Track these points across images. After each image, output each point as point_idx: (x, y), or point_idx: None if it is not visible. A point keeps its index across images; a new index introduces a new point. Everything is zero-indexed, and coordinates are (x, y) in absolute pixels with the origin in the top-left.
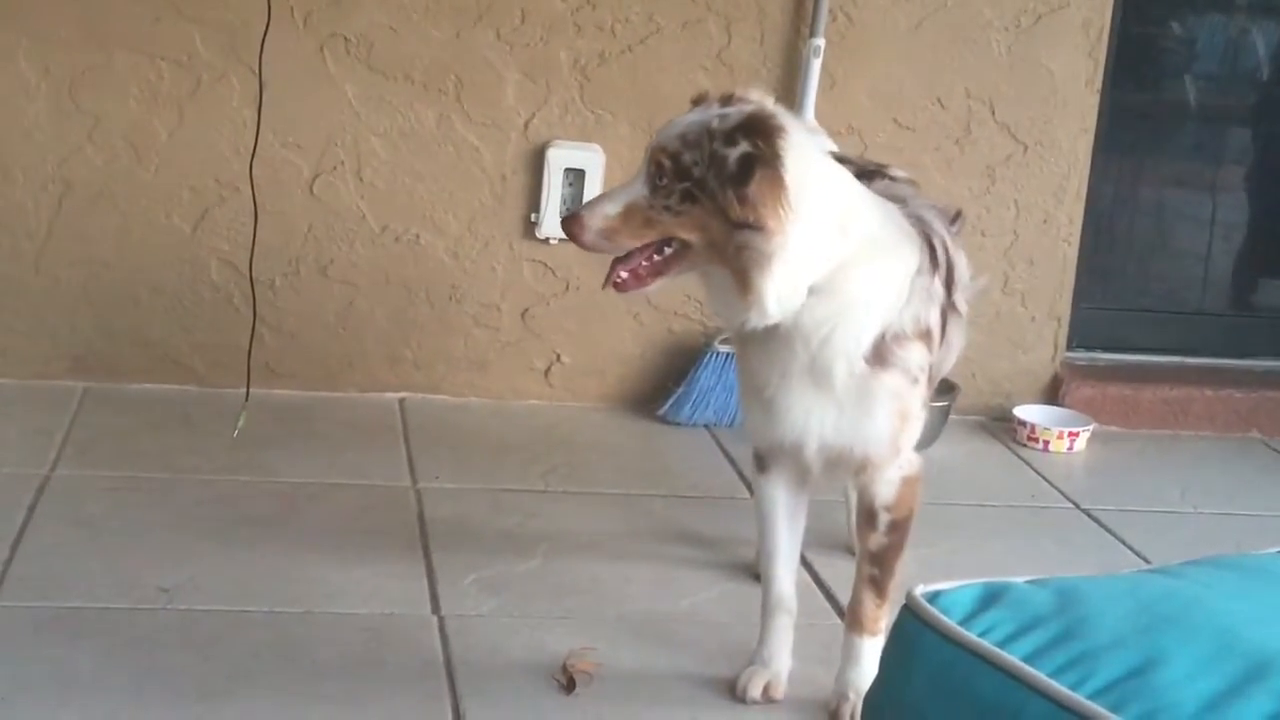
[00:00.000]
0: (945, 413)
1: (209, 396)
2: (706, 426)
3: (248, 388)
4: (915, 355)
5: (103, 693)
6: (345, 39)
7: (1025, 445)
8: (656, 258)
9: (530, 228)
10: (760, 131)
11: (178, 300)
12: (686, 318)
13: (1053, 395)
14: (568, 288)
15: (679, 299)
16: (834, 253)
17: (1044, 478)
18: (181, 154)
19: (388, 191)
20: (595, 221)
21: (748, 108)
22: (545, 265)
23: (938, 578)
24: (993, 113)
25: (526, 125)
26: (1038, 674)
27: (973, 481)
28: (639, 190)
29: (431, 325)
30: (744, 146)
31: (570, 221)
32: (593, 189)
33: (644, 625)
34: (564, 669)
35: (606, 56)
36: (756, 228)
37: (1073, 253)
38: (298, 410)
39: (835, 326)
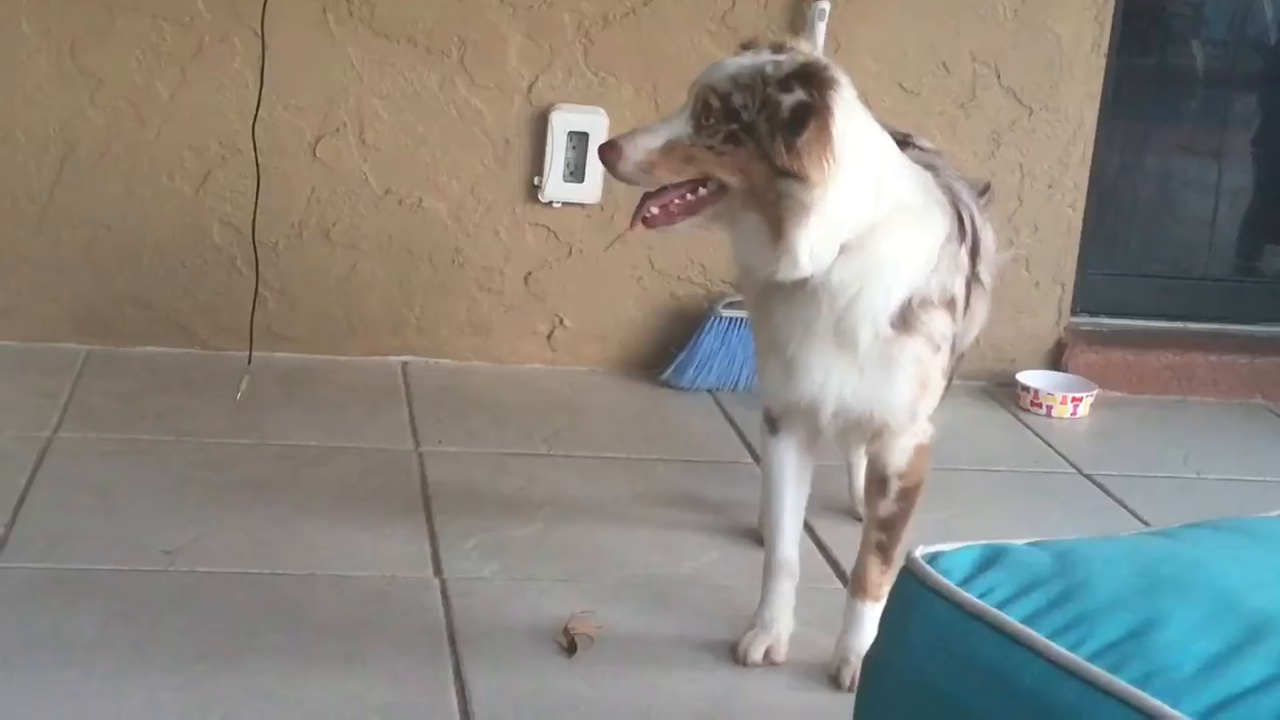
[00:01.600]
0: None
1: (212, 360)
2: (709, 391)
3: (250, 351)
4: (940, 323)
5: (105, 654)
6: (348, 1)
7: (1028, 411)
8: (690, 196)
9: (533, 191)
10: (815, 81)
11: (180, 263)
12: (690, 282)
13: (1056, 361)
14: (570, 252)
15: (682, 263)
16: (868, 213)
17: (1047, 443)
18: (183, 116)
19: (390, 155)
20: (634, 153)
21: (801, 56)
22: (548, 229)
23: (939, 542)
24: (998, 77)
25: (530, 88)
26: (1036, 635)
27: (975, 447)
28: (682, 127)
29: (434, 289)
30: (799, 95)
31: (607, 149)
32: (595, 153)
33: (645, 588)
34: (565, 632)
35: (610, 19)
36: (799, 177)
37: (1077, 218)
38: (300, 374)
39: (863, 287)
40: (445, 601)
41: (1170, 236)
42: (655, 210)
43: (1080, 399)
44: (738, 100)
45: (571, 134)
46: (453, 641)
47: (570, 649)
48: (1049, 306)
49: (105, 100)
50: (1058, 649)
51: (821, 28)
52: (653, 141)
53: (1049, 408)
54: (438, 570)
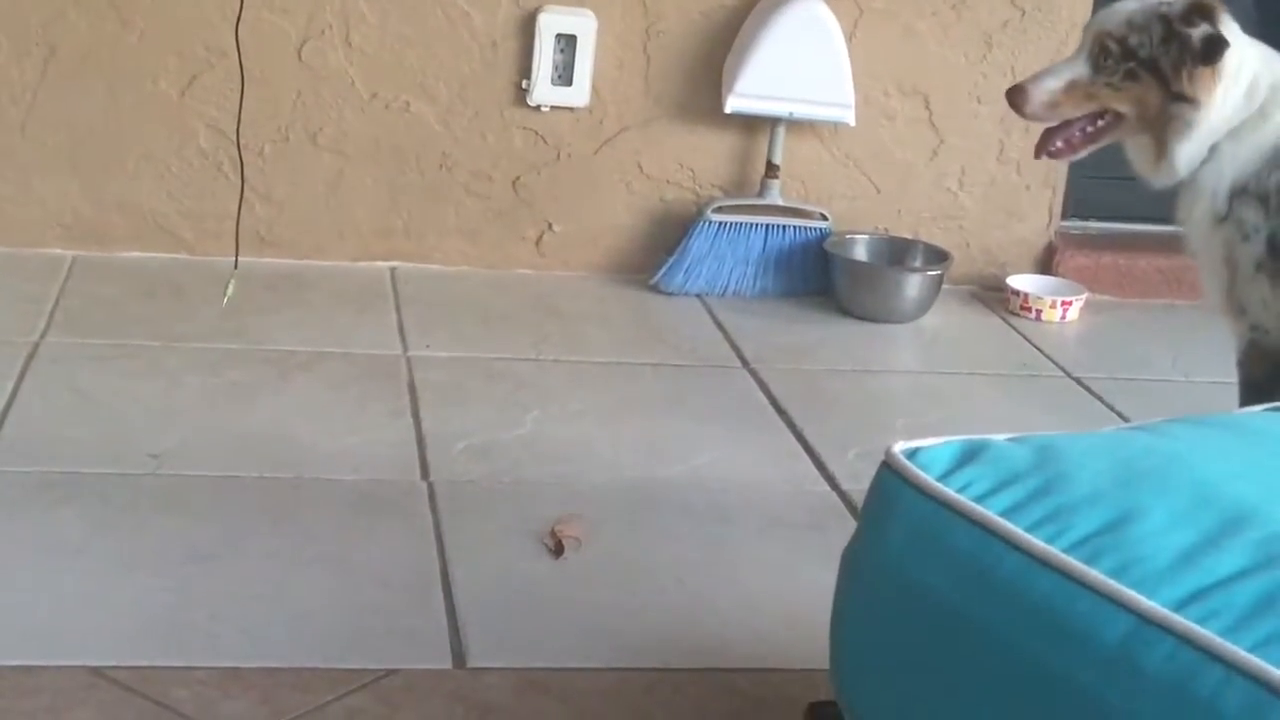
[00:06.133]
0: (938, 282)
1: (198, 265)
2: (698, 295)
3: (236, 256)
4: None
5: (92, 557)
6: None
7: (1018, 315)
8: (1089, 129)
9: (521, 95)
10: (1211, 14)
11: (166, 167)
12: (679, 186)
13: (1047, 265)
14: (559, 156)
15: (671, 167)
16: (1238, 117)
17: (1036, 347)
18: (167, 19)
19: (377, 58)
20: (1040, 95)
21: None
22: (536, 133)
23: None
24: None
25: None
26: (1014, 528)
27: (964, 350)
28: (1080, 68)
29: (422, 194)
30: (1204, 28)
31: (1014, 92)
32: (584, 55)
33: (633, 491)
34: (552, 534)
35: None
36: (1191, 100)
37: None
38: (288, 279)
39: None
40: (432, 504)
41: None
42: (1060, 144)
43: (1070, 303)
44: (1135, 40)
45: (559, 36)
46: (440, 544)
47: (557, 551)
48: (1039, 210)
49: (88, 2)
50: (1035, 541)
51: None
52: (1055, 83)
53: (1038, 311)
54: (425, 473)
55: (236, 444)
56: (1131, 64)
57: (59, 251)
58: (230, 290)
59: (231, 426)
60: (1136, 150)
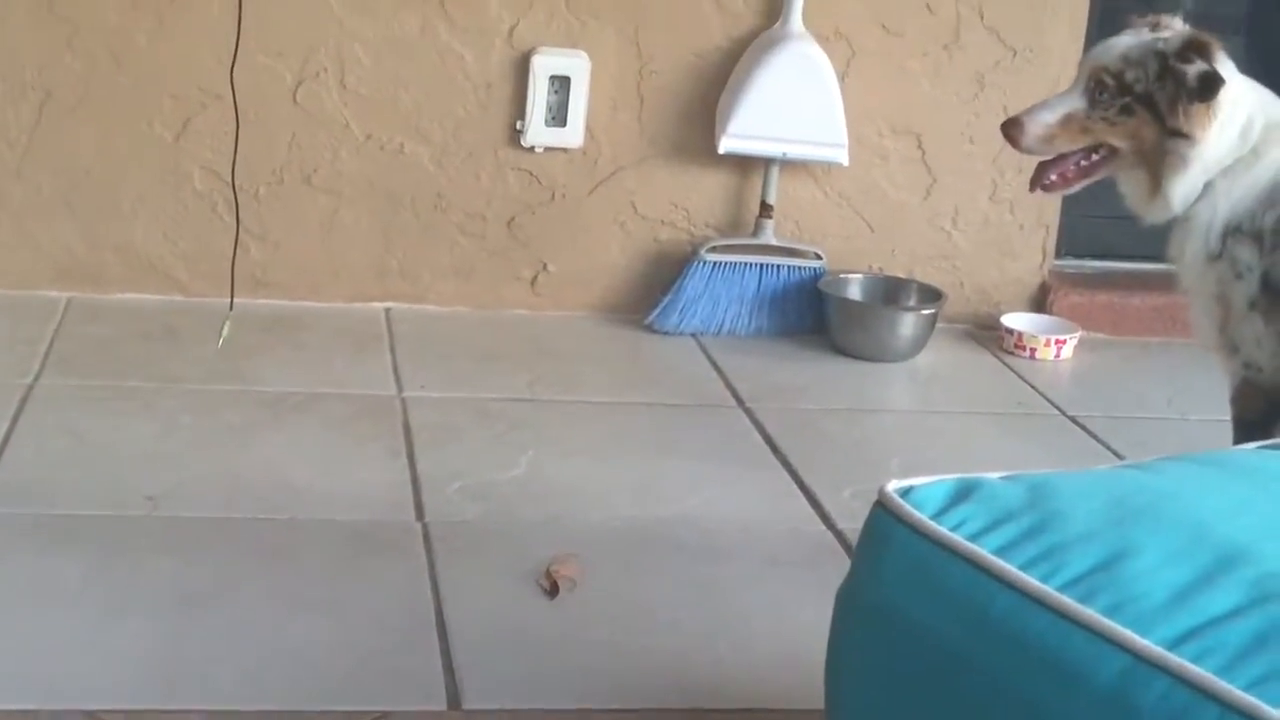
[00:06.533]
0: (932, 320)
1: (193, 306)
2: (693, 335)
3: (232, 297)
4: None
5: (88, 600)
6: None
7: (1012, 353)
8: (1084, 163)
9: (515, 136)
10: (1206, 51)
11: (161, 209)
12: (673, 226)
13: (1041, 303)
14: (553, 196)
15: (665, 207)
16: (1234, 153)
17: (1031, 385)
18: (162, 61)
19: (372, 99)
20: (1035, 128)
21: (1182, 30)
22: (530, 174)
23: None
24: (981, 17)
25: (511, 32)
26: (1008, 567)
27: (959, 389)
28: (1076, 102)
29: (417, 234)
30: (1200, 65)
31: (1010, 125)
32: (578, 96)
33: (628, 531)
34: (547, 574)
35: None
36: (1186, 136)
37: None
38: (283, 320)
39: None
40: (427, 545)
41: None
42: (1054, 177)
43: (1064, 341)
44: (1130, 75)
45: (553, 78)
46: (435, 585)
47: (552, 592)
48: (1033, 249)
49: (83, 45)
50: (1029, 580)
51: None
52: (1050, 116)
53: (1033, 350)
54: (420, 514)
55: (232, 485)
56: (1127, 99)
57: (54, 293)
58: (225, 331)
59: (227, 468)
60: (1131, 186)
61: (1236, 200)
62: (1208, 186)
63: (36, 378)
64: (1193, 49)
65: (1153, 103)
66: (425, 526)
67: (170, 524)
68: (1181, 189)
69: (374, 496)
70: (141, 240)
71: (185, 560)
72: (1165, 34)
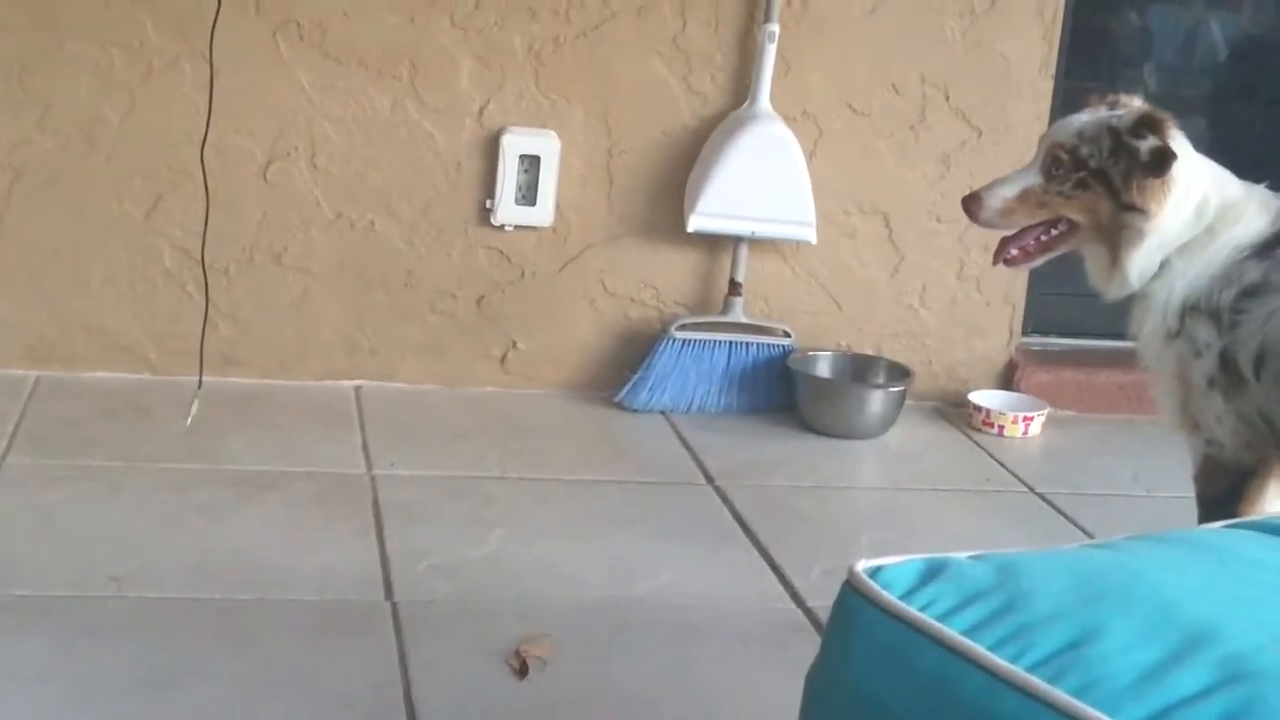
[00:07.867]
0: (901, 398)
1: (162, 385)
2: (663, 412)
3: (200, 375)
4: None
5: (52, 681)
6: (298, 24)
7: (980, 430)
8: (1044, 237)
9: (485, 214)
10: (1159, 128)
11: (130, 288)
12: (643, 304)
13: (1008, 380)
14: (523, 274)
15: (635, 285)
16: (1191, 230)
17: (999, 462)
18: (133, 140)
19: (342, 178)
20: (993, 202)
21: (1137, 107)
22: (501, 252)
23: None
24: (947, 98)
25: (481, 111)
26: (977, 647)
27: (927, 466)
28: (1033, 177)
29: (387, 312)
30: (1152, 140)
31: (970, 200)
32: (548, 175)
33: (599, 610)
34: (517, 654)
35: (561, 41)
36: (1141, 210)
37: None
38: (252, 398)
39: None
40: (396, 624)
41: None
42: (1015, 252)
43: (1032, 418)
44: (1085, 151)
45: (523, 157)
46: (403, 664)
47: (522, 671)
48: (1000, 327)
49: (54, 125)
50: (998, 660)
51: (771, 50)
52: (1009, 191)
53: (1001, 427)
54: (389, 593)
55: (199, 565)
56: (1082, 173)
57: (22, 372)
58: (194, 410)
59: (194, 547)
60: (1092, 261)
61: (1193, 279)
62: (1164, 265)
63: (3, 456)
64: (1146, 125)
65: (1107, 178)
66: (394, 605)
67: (136, 605)
68: (1138, 264)
69: (343, 575)
70: (111, 318)
71: (151, 642)
72: (1120, 111)
